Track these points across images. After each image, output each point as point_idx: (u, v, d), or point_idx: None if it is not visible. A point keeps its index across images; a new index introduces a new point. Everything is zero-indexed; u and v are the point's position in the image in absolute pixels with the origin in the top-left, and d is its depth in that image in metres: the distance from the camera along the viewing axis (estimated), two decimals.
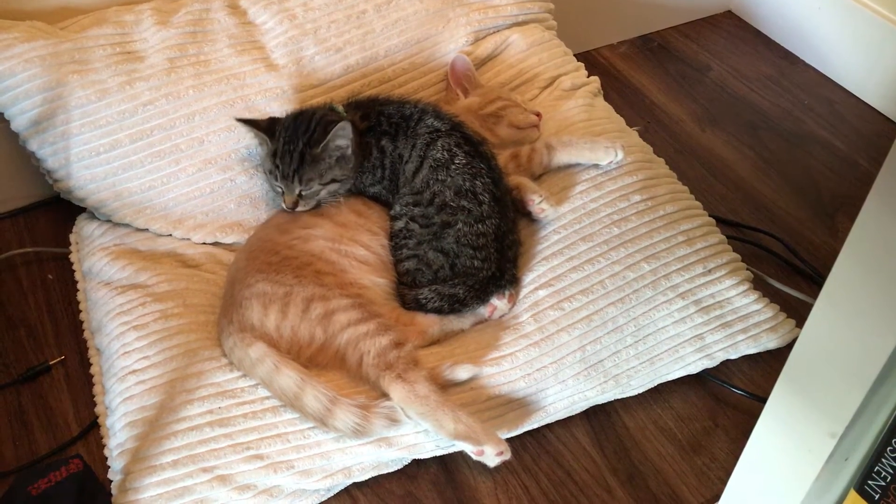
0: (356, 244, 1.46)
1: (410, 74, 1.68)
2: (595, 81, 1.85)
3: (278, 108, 1.58)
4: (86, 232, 1.59)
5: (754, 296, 1.56)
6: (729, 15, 2.51)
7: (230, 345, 1.35)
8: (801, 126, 2.13)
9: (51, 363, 1.50)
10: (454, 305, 1.43)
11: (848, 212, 1.90)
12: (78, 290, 1.58)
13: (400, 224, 1.49)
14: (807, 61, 2.33)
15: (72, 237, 1.64)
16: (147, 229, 1.55)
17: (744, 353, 1.54)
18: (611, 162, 1.60)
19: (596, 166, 1.61)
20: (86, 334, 1.52)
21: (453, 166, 1.46)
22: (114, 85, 1.51)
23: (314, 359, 1.35)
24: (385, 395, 1.32)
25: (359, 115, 1.52)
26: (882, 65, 2.13)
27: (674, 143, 2.06)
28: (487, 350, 1.41)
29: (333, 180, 1.47)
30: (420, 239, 1.46)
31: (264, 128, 1.48)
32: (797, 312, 1.62)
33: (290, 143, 1.44)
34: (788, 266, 1.76)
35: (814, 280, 1.73)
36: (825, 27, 2.25)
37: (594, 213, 1.55)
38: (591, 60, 2.28)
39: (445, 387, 1.35)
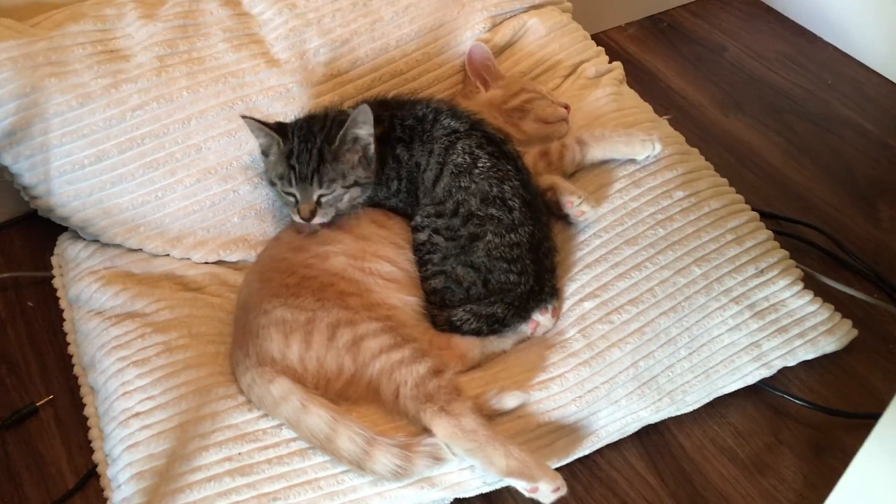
0: (380, 259, 1.31)
1: (424, 66, 1.53)
2: (618, 67, 1.72)
3: (282, 107, 1.42)
4: (70, 254, 1.42)
5: (808, 296, 1.44)
6: None
7: (248, 381, 1.19)
8: (827, 108, 2.01)
9: (38, 404, 1.34)
10: (493, 326, 1.28)
11: (888, 198, 1.79)
12: (64, 320, 1.41)
13: (422, 236, 1.33)
14: (825, 39, 2.21)
15: (54, 260, 1.47)
16: (141, 249, 1.39)
17: (802, 360, 1.42)
18: (648, 156, 1.47)
19: (632, 161, 1.48)
20: (76, 370, 1.35)
21: (476, 170, 1.31)
22: (97, 88, 1.34)
23: (344, 392, 1.20)
24: (426, 430, 1.17)
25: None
26: None
27: (697, 131, 1.93)
28: (534, 372, 1.27)
29: (356, 182, 1.31)
30: (446, 253, 1.31)
31: (275, 128, 1.31)
32: (848, 310, 1.50)
33: (307, 140, 1.28)
34: (832, 259, 1.64)
35: (862, 274, 1.61)
36: (843, 2, 2.13)
37: (636, 213, 1.42)
38: (599, 44, 2.12)
39: (491, 416, 1.21)
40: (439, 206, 1.32)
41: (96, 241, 1.41)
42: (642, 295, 1.34)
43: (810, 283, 1.52)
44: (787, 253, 1.49)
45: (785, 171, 1.84)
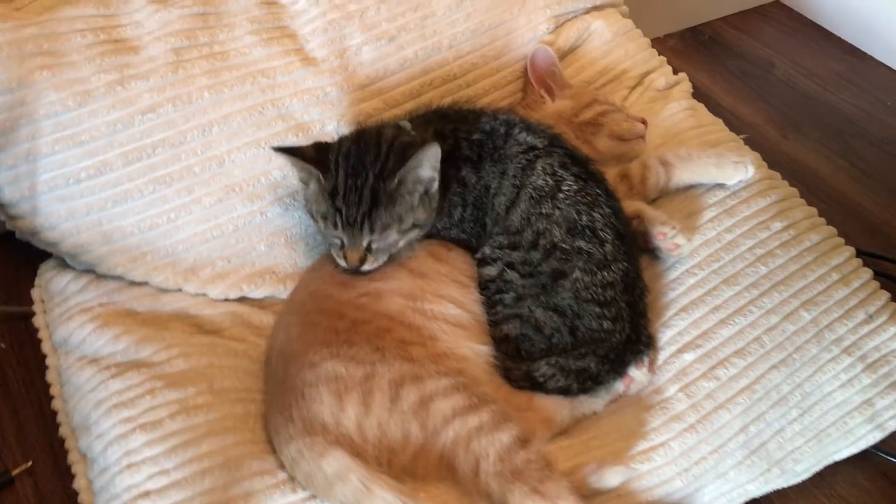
0: (443, 300, 1.09)
1: (480, 71, 1.32)
2: (685, 79, 1.52)
3: (318, 114, 1.20)
4: (56, 286, 1.17)
5: None
6: (778, 5, 2.22)
7: (293, 454, 0.95)
8: (890, 131, 1.85)
9: (13, 473, 1.12)
10: (585, 383, 1.06)
11: None
12: (47, 368, 1.15)
13: (492, 271, 1.11)
14: (877, 57, 2.05)
15: (35, 293, 1.22)
16: (146, 282, 1.15)
17: None
18: (740, 181, 1.28)
19: (720, 186, 1.28)
20: (63, 431, 1.10)
21: (561, 195, 1.10)
22: (99, 85, 1.11)
23: (411, 468, 0.97)
24: None
25: (431, 132, 1.14)
26: None
27: (756, 153, 1.74)
28: (633, 440, 1.06)
29: (415, 225, 1.09)
30: (521, 292, 1.09)
31: (312, 157, 1.08)
32: None
33: (355, 175, 1.06)
34: None
35: None
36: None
37: (733, 247, 1.22)
38: None
39: (587, 496, 0.99)
40: (514, 237, 1.10)
41: (89, 271, 1.17)
42: (749, 345, 1.14)
43: None
44: (889, 295, 1.30)
45: (857, 200, 1.67)
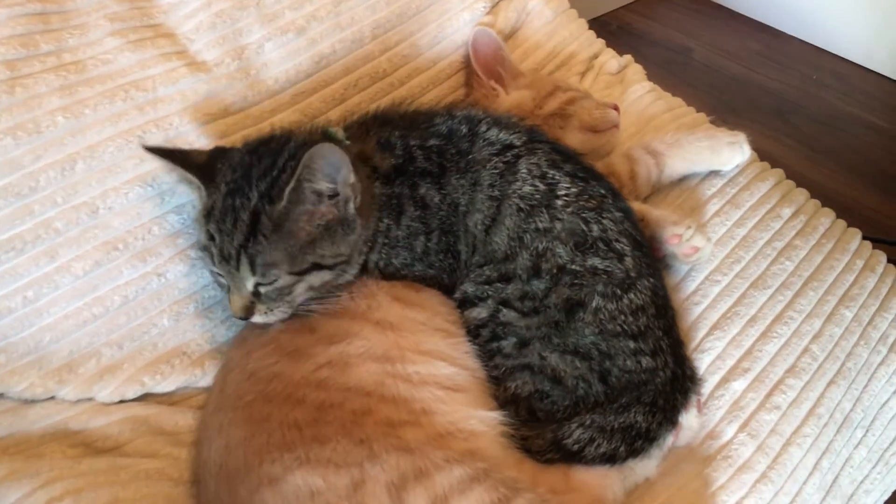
0: (428, 357, 0.81)
1: (414, 64, 1.05)
2: (632, 62, 1.32)
3: (221, 134, 0.89)
4: None
5: None
6: None
7: None
8: (825, 105, 1.73)
9: None
10: (635, 443, 0.81)
11: None
12: None
13: (481, 313, 0.85)
14: (789, 33, 1.94)
15: None
16: (3, 394, 0.80)
17: None
18: (737, 165, 1.08)
19: (715, 174, 1.08)
20: None
21: (559, 202, 0.85)
22: None
23: None
24: None
25: (373, 142, 0.87)
26: (893, 32, 1.78)
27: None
28: None
29: (318, 265, 0.80)
30: (525, 336, 0.83)
31: (195, 164, 0.79)
32: None
33: (236, 192, 0.77)
34: None
35: None
36: None
37: (749, 244, 1.02)
38: None
39: None
40: (504, 265, 0.85)
41: None
42: (800, 359, 0.94)
43: None
44: None
45: (819, 181, 1.52)
